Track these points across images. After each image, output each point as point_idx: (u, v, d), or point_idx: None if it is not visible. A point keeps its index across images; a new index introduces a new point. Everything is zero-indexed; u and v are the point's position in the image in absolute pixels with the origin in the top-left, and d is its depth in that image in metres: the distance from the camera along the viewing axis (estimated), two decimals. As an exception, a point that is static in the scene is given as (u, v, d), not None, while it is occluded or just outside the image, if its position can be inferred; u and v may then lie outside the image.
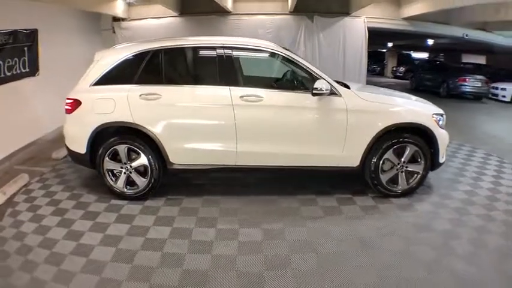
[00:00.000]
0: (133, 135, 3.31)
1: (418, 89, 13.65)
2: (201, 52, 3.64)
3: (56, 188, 3.74)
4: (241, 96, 3.19)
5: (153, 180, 3.35)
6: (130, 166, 3.37)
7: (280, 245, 2.65)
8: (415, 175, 3.49)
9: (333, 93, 3.18)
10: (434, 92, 12.65)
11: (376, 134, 3.24)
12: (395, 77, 20.96)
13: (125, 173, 3.38)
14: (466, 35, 9.57)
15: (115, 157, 3.37)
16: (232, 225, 2.94)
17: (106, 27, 7.60)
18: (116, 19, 7.61)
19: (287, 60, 3.38)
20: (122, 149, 3.34)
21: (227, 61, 3.33)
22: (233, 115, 3.18)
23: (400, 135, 3.33)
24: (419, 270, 2.38)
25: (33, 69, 5.15)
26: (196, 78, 3.65)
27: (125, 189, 3.40)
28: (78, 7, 5.84)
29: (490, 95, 12.33)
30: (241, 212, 3.17)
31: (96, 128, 3.29)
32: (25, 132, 5.04)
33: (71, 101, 3.41)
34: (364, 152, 3.29)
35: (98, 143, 3.35)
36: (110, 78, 3.38)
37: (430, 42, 15.74)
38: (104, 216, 3.13)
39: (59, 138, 5.72)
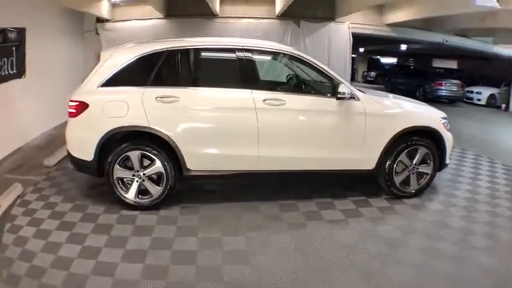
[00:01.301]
0: (147, 140, 3.23)
1: (393, 93, 14.50)
2: (220, 54, 3.64)
3: (55, 198, 3.59)
4: (264, 100, 3.26)
5: (168, 188, 3.28)
6: (144, 174, 3.28)
7: (338, 248, 2.78)
8: (425, 176, 3.80)
9: (352, 97, 3.40)
10: (410, 96, 13.51)
11: (392, 137, 3.50)
12: (366, 81, 22.05)
13: (137, 181, 3.28)
14: (446, 41, 10.39)
15: (125, 164, 3.27)
16: (260, 233, 2.99)
17: (89, 29, 7.45)
18: (99, 20, 7.51)
19: (306, 63, 3.52)
20: (135, 155, 3.24)
21: (248, 63, 3.37)
22: (256, 119, 3.23)
23: (411, 138, 3.62)
24: (449, 265, 2.63)
25: (20, 71, 4.99)
26: (215, 81, 3.60)
27: (137, 199, 3.30)
28: (67, 4, 5.71)
29: (465, 99, 13.38)
30: (263, 217, 3.26)
31: (107, 133, 3.18)
32: (10, 138, 4.85)
33: (76, 103, 3.24)
34: (381, 155, 3.53)
35: (106, 149, 3.23)
36: (120, 79, 3.28)
37: (404, 47, 16.73)
38: (118, 229, 3.01)
39: (46, 144, 5.60)
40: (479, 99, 13.36)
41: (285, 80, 4.15)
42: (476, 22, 7.26)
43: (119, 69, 3.26)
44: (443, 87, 13.41)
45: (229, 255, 2.66)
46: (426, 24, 9.69)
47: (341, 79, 3.42)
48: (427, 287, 2.38)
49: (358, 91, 3.51)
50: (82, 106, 3.21)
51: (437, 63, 20.39)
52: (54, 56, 5.96)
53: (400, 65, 22.32)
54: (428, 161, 3.76)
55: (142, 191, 3.32)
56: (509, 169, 5.02)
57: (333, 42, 9.91)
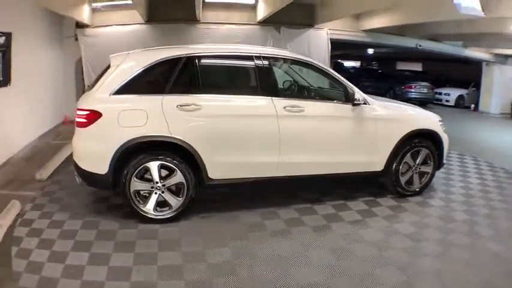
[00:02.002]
0: (166, 150, 3.20)
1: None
2: (239, 61, 3.71)
3: (60, 216, 3.44)
4: (285, 107, 3.39)
5: (189, 199, 3.29)
6: (163, 185, 3.25)
7: (368, 247, 3.00)
8: (426, 175, 4.20)
9: (364, 103, 3.69)
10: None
11: (399, 140, 3.84)
12: (332, 85, 22.85)
13: (156, 193, 3.24)
14: (420, 46, 11.19)
15: (141, 176, 3.22)
16: (297, 236, 3.12)
17: (68, 34, 7.29)
18: (79, 26, 7.36)
19: (320, 71, 3.73)
20: (155, 166, 3.19)
21: (266, 71, 3.49)
22: (277, 126, 3.35)
23: (414, 141, 3.97)
24: (465, 254, 2.98)
25: (6, 78, 4.83)
26: (235, 88, 3.66)
27: (156, 212, 3.26)
28: (50, 7, 5.57)
29: (434, 100, 14.44)
30: (285, 222, 3.42)
31: (124, 144, 3.09)
32: (-2, 151, 4.68)
33: (87, 112, 3.12)
34: (389, 157, 3.86)
35: (122, 161, 3.14)
36: (135, 86, 3.22)
37: (371, 51, 17.62)
38: (143, 245, 2.92)
39: (33, 156, 5.49)
40: (448, 100, 14.48)
41: (302, 87, 4.30)
42: (453, 28, 7.98)
43: (133, 75, 3.20)
44: (413, 90, 14.40)
45: (268, 261, 2.81)
46: (401, 30, 10.41)
47: (353, 86, 3.72)
48: (456, 274, 2.70)
49: (368, 97, 3.83)
50: (94, 115, 3.10)
51: (401, 66, 21.57)
52: (35, 63, 5.80)
53: (366, 69, 23.36)
54: (429, 161, 4.15)
55: (160, 203, 3.28)
56: (493, 166, 5.62)
57: (313, 47, 10.33)
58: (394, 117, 3.90)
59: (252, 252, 2.87)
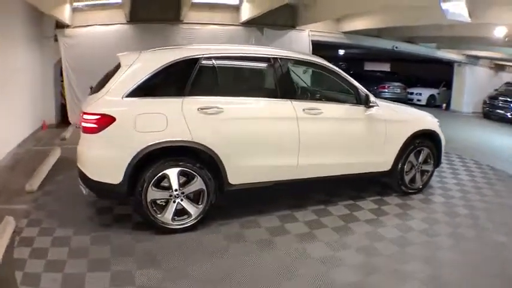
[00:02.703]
0: (185, 155, 3.14)
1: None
2: (257, 62, 3.72)
3: (62, 231, 3.21)
4: (304, 109, 3.48)
5: (208, 206, 3.26)
6: (182, 193, 3.18)
7: (390, 244, 3.20)
8: (426, 173, 4.53)
9: (376, 105, 3.92)
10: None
11: (406, 140, 4.13)
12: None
13: (174, 201, 3.16)
14: (396, 47, 11.83)
15: (158, 184, 3.11)
16: (332, 237, 3.25)
17: (48, 35, 7.01)
18: (58, 26, 7.11)
19: (334, 73, 3.88)
20: (174, 173, 3.10)
21: (285, 73, 3.55)
22: (297, 128, 3.43)
23: (417, 141, 4.28)
24: (477, 245, 3.31)
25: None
26: (253, 90, 3.67)
27: (174, 221, 3.19)
28: (38, 5, 5.34)
29: (407, 100, 15.25)
30: (306, 224, 3.56)
31: (142, 150, 2.97)
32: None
33: (97, 116, 2.95)
34: (396, 157, 4.14)
35: (138, 168, 3.03)
36: (150, 88, 3.11)
37: (341, 52, 18.23)
38: (169, 260, 2.81)
39: (16, 165, 5.27)
40: (419, 100, 15.36)
41: (316, 89, 4.43)
42: (434, 31, 8.55)
43: (148, 76, 3.09)
44: (387, 90, 15.18)
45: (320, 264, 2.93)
46: (378, 32, 10.96)
47: (363, 88, 3.95)
48: (474, 264, 2.99)
49: (377, 99, 4.07)
50: (106, 120, 2.95)
51: (369, 67, 22.39)
52: (13, 65, 5.53)
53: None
54: (429, 160, 4.49)
55: (178, 212, 3.20)
56: (479, 163, 6.14)
57: (294, 48, 10.60)
58: (401, 119, 4.20)
59: (284, 255, 2.97)
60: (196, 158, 3.20)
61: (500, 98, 12.32)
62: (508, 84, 13.50)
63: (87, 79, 7.76)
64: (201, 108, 3.15)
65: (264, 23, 9.81)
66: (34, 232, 3.21)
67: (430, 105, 15.00)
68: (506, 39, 6.79)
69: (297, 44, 10.62)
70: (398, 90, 15.31)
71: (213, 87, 3.39)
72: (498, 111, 12.03)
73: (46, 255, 2.85)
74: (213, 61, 3.32)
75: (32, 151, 6.10)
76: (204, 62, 3.27)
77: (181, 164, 3.12)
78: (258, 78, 3.81)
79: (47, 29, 6.99)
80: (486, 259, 3.07)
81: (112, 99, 3.03)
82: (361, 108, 3.86)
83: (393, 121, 4.08)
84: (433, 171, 4.61)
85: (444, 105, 14.78)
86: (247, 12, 8.96)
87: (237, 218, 3.54)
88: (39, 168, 4.86)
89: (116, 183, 3.01)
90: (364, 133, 3.93)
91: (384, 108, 4.03)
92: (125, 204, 3.67)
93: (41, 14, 6.43)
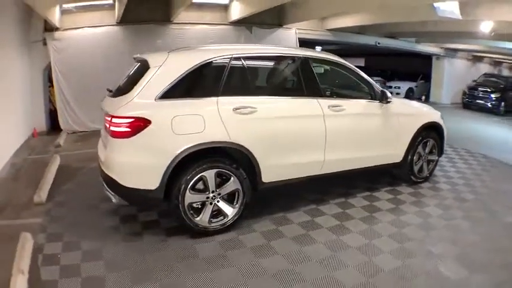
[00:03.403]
0: (221, 156, 3.18)
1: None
2: (284, 62, 3.83)
3: (89, 244, 3.08)
4: (329, 107, 3.66)
5: (244, 206, 3.33)
6: (219, 194, 3.23)
7: (417, 230, 3.45)
8: (431, 163, 4.89)
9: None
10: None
11: (415, 133, 4.45)
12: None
13: (211, 203, 3.20)
14: (378, 43, 12.34)
15: (194, 187, 3.12)
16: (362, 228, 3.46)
17: (36, 39, 6.85)
18: (47, 29, 6.96)
19: (351, 71, 4.10)
20: (212, 174, 3.13)
21: (310, 72, 3.68)
22: (324, 125, 3.61)
23: (423, 133, 4.59)
24: (492, 226, 3.67)
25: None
26: (282, 89, 3.76)
27: (211, 223, 3.22)
28: (35, 7, 5.24)
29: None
30: (342, 216, 3.78)
31: (181, 153, 2.96)
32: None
33: (131, 120, 2.89)
34: (407, 148, 4.45)
35: (175, 172, 3.00)
36: (183, 88, 3.10)
37: (318, 49, 18.63)
38: (225, 262, 2.87)
39: (17, 176, 5.16)
40: (398, 93, 16.04)
41: (337, 87, 4.57)
42: (418, 27, 9.03)
43: (180, 77, 3.07)
44: (367, 85, 15.68)
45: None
46: (362, 28, 11.42)
47: (377, 85, 4.21)
48: (494, 243, 3.33)
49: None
50: (140, 123, 2.89)
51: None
52: (4, 72, 5.40)
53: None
54: (434, 150, 4.84)
55: (214, 213, 3.25)
56: (470, 152, 6.62)
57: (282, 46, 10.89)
58: (411, 113, 4.53)
59: (324, 248, 3.17)
60: (232, 158, 3.25)
61: (480, 88, 13.16)
62: (486, 75, 14.41)
63: (77, 84, 7.72)
64: (236, 108, 3.20)
65: (253, 22, 9.99)
66: (57, 248, 3.06)
67: (409, 97, 15.69)
68: (493, 33, 7.32)
69: (285, 42, 10.88)
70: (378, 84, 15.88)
71: (244, 87, 3.46)
72: (478, 101, 12.84)
73: (79, 272, 2.69)
74: (242, 61, 3.38)
75: (29, 160, 5.98)
76: (234, 62, 3.31)
77: (219, 165, 3.16)
78: (285, 77, 3.89)
79: (36, 32, 6.82)
80: (501, 238, 3.43)
81: (144, 101, 2.98)
82: (377, 103, 4.13)
83: (404, 115, 4.39)
84: (437, 161, 4.98)
85: (423, 97, 15.53)
86: (238, 12, 9.09)
87: (266, 215, 3.69)
88: (43, 178, 4.77)
89: (153, 188, 2.96)
90: (380, 127, 4.20)
91: (396, 103, 4.31)
92: (146, 211, 3.70)
93: (30, 17, 6.31)
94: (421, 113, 4.71)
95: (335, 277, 2.70)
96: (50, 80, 7.67)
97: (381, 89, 4.16)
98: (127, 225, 3.49)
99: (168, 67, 3.10)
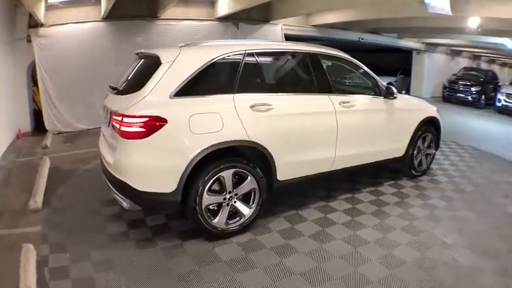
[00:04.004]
0: (238, 155, 3.11)
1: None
2: (295, 58, 3.77)
3: (99, 253, 2.90)
4: (340, 103, 3.68)
5: (260, 205, 3.28)
6: (236, 194, 3.14)
7: (427, 221, 3.53)
8: (429, 156, 5.04)
9: (395, 96, 4.28)
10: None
11: (416, 127, 4.57)
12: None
13: (228, 204, 3.12)
14: (362, 39, 12.54)
15: (210, 188, 3.02)
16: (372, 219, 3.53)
17: (20, 36, 6.52)
18: (32, 26, 6.65)
19: (358, 67, 4.15)
20: (229, 174, 3.04)
21: (321, 68, 3.69)
22: (335, 121, 3.63)
23: (423, 127, 4.73)
24: (495, 216, 3.83)
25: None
26: (294, 85, 3.73)
27: (226, 225, 3.15)
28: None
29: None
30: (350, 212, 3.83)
31: (200, 153, 2.85)
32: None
33: (145, 119, 2.74)
34: (409, 143, 4.57)
35: (193, 173, 2.89)
36: (198, 85, 2.98)
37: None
38: (239, 267, 2.78)
39: (7, 180, 4.91)
40: (379, 88, 16.33)
41: (345, 83, 4.65)
42: (405, 22, 9.23)
43: (195, 73, 2.96)
44: (350, 80, 15.95)
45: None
46: (346, 24, 11.57)
47: (381, 81, 4.28)
48: (499, 232, 3.49)
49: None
50: (156, 123, 2.75)
51: None
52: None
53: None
54: (431, 144, 4.99)
55: (230, 214, 3.18)
56: (460, 144, 6.88)
57: (269, 42, 10.88)
58: (412, 108, 4.65)
59: (344, 244, 3.22)
60: (247, 157, 3.18)
61: (460, 82, 13.62)
62: (465, 69, 14.90)
63: (62, 82, 7.45)
64: (253, 106, 3.14)
65: (239, 18, 9.94)
66: (64, 259, 2.83)
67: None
68: (479, 29, 7.58)
69: (271, 37, 10.87)
70: (361, 80, 16.16)
71: (258, 84, 3.40)
72: (459, 95, 13.30)
73: (93, 286, 2.54)
74: (256, 57, 3.31)
75: (17, 163, 5.73)
76: (247, 57, 3.24)
77: (237, 165, 3.07)
78: (297, 74, 3.84)
79: (19, 29, 6.50)
80: (504, 226, 3.61)
81: (158, 99, 2.83)
82: (382, 99, 4.22)
83: (407, 110, 4.51)
84: (434, 154, 5.13)
85: (404, 91, 15.89)
86: (225, 8, 9.00)
87: (278, 214, 3.69)
88: (36, 182, 4.56)
89: (169, 191, 2.84)
90: (385, 123, 4.29)
91: (399, 99, 4.40)
92: (153, 214, 3.55)
93: (14, 14, 6.02)
94: (421, 108, 4.84)
95: (361, 272, 2.75)
96: (33, 79, 7.36)
97: (386, 85, 4.23)
98: (136, 231, 3.33)
99: (181, 63, 2.97)
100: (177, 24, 9.11)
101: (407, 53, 15.70)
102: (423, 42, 14.36)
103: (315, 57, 3.71)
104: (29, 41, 6.75)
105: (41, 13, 6.11)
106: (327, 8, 8.77)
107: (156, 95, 2.83)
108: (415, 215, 3.78)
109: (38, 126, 7.58)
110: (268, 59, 3.53)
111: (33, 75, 7.31)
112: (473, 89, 13.43)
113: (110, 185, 3.11)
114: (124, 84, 3.43)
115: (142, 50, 3.65)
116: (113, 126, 3.01)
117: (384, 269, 2.80)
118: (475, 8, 5.92)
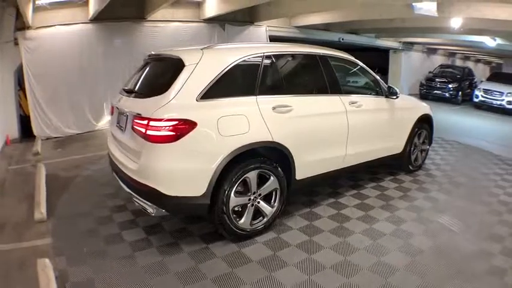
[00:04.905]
0: (257, 156, 3.14)
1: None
2: (308, 60, 3.85)
3: (123, 263, 2.83)
4: (349, 103, 3.85)
5: (283, 204, 3.37)
6: (259, 195, 3.21)
7: (434, 213, 3.75)
8: (424, 152, 5.33)
9: (392, 95, 4.52)
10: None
11: (413, 125, 4.84)
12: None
13: (252, 204, 3.18)
14: (342, 39, 12.85)
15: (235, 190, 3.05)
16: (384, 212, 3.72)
17: (7, 39, 6.27)
18: (19, 28, 6.42)
19: (362, 69, 4.35)
20: (255, 175, 3.11)
21: (332, 70, 3.83)
22: (347, 121, 3.80)
23: (418, 124, 4.99)
24: (493, 205, 4.15)
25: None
26: (310, 87, 3.82)
27: (251, 226, 3.20)
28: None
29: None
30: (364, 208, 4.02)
31: (229, 155, 2.88)
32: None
33: (174, 122, 2.72)
34: (407, 139, 4.82)
35: (221, 175, 2.91)
36: (222, 88, 2.99)
37: None
38: (272, 266, 2.83)
39: (4, 189, 4.68)
40: (356, 87, 16.82)
41: (351, 84, 4.76)
42: (386, 23, 9.56)
43: (219, 75, 2.99)
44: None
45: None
46: (327, 25, 11.87)
47: (383, 82, 4.50)
48: (501, 220, 3.78)
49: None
50: (186, 126, 2.73)
51: None
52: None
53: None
54: (425, 140, 5.27)
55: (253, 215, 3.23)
56: (445, 139, 7.29)
57: (254, 43, 10.99)
58: (409, 106, 4.92)
59: (363, 237, 3.38)
60: (268, 158, 3.24)
61: (437, 79, 14.21)
62: (442, 66, 15.52)
63: (50, 86, 7.25)
64: (275, 107, 3.21)
65: (225, 19, 9.99)
66: (86, 273, 2.70)
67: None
68: (462, 29, 8.00)
69: (256, 38, 11.02)
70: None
71: (277, 86, 3.47)
72: (436, 91, 13.87)
73: None
74: (273, 59, 3.40)
75: (11, 171, 5.53)
76: (266, 60, 3.31)
77: (262, 166, 3.14)
78: (311, 76, 3.92)
79: (6, 32, 6.26)
80: (503, 213, 3.92)
81: (185, 102, 2.82)
82: (384, 98, 4.44)
83: (405, 109, 4.76)
84: (428, 149, 5.41)
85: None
86: (213, 9, 9.02)
87: (293, 212, 3.79)
88: (36, 191, 4.37)
89: (199, 195, 2.83)
90: (388, 121, 4.52)
91: (399, 98, 4.63)
92: (168, 219, 3.53)
93: (1, 16, 5.81)
94: (417, 106, 5.12)
95: (385, 262, 2.93)
96: (19, 84, 7.11)
97: (388, 85, 4.45)
98: (156, 237, 3.26)
99: (205, 65, 2.97)
100: (165, 26, 9.05)
101: (385, 52, 16.21)
102: (400, 41, 14.89)
103: (325, 59, 3.86)
104: (16, 44, 6.52)
105: (29, 15, 5.92)
106: (311, 10, 8.96)
107: (183, 98, 2.81)
108: (420, 207, 4.03)
109: (26, 132, 7.33)
110: (284, 61, 3.62)
111: (20, 79, 7.06)
112: (450, 85, 14.00)
113: (130, 191, 3.07)
114: (140, 86, 3.41)
115: (158, 51, 3.63)
116: (134, 130, 2.94)
117: (406, 257, 3.01)
118: (461, 9, 6.26)
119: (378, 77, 4.47)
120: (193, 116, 2.77)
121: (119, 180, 3.33)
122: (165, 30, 9.03)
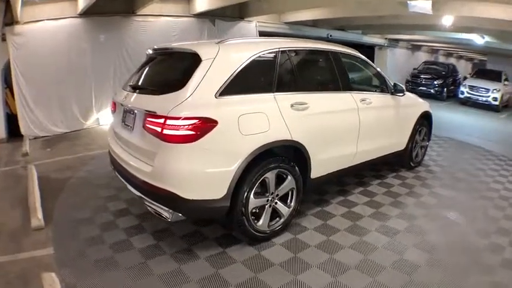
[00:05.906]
0: (273, 156, 3.03)
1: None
2: (320, 57, 3.82)
3: (138, 274, 2.65)
4: (360, 100, 3.85)
5: (299, 203, 3.32)
6: (277, 195, 3.12)
7: (441, 207, 3.82)
8: (423, 148, 5.43)
9: (396, 92, 4.57)
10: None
11: (415, 122, 4.93)
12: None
13: (270, 205, 3.09)
14: (330, 35, 12.91)
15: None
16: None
17: (-5, 35, 5.96)
18: (7, 23, 6.09)
19: (369, 66, 4.37)
20: (273, 175, 3.01)
21: (343, 67, 3.80)
22: (358, 118, 3.79)
23: (419, 121, 5.07)
24: (494, 199, 4.29)
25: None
26: (324, 84, 3.79)
27: (268, 227, 3.11)
28: None
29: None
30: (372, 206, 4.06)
31: (250, 155, 2.76)
32: None
33: (195, 121, 2.55)
34: (410, 136, 4.90)
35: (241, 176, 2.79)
36: (240, 84, 2.85)
37: None
38: (295, 267, 2.79)
39: None
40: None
41: (360, 81, 4.75)
42: (375, 20, 9.63)
43: (237, 71, 2.85)
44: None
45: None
46: (316, 21, 11.90)
47: (388, 78, 4.54)
48: (505, 211, 3.93)
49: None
50: (206, 124, 2.58)
51: None
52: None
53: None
54: (425, 137, 5.37)
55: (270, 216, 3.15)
56: (438, 135, 7.43)
57: (244, 39, 10.90)
58: (411, 104, 5.00)
59: (379, 235, 3.40)
60: (284, 157, 3.14)
61: (422, 76, 14.50)
62: (426, 63, 15.80)
63: (37, 83, 6.95)
64: (293, 105, 3.12)
65: (215, 15, 9.86)
66: (99, 286, 2.54)
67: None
68: (452, 26, 8.16)
69: (246, 34, 10.94)
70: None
71: (293, 82, 3.35)
72: (421, 88, 14.15)
73: None
74: (288, 55, 3.30)
75: (0, 174, 5.29)
76: (281, 55, 3.21)
77: (280, 165, 3.04)
78: (325, 72, 3.87)
79: (-6, 28, 5.97)
80: (505, 207, 4.08)
81: (204, 99, 2.65)
82: (390, 95, 4.48)
83: (409, 106, 4.84)
84: (427, 146, 5.52)
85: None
86: (204, 4, 8.88)
87: (306, 211, 3.76)
88: (30, 195, 4.11)
89: (219, 197, 2.70)
90: (394, 118, 4.58)
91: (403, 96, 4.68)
92: (176, 224, 3.31)
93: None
94: (419, 104, 5.19)
95: (405, 259, 2.98)
96: (6, 81, 6.79)
97: (395, 82, 4.49)
98: (167, 243, 3.09)
99: (222, 60, 2.82)
100: (154, 21, 8.84)
101: (370, 49, 16.40)
102: (386, 38, 15.10)
103: (337, 56, 3.84)
104: (4, 40, 6.20)
105: (17, 9, 5.64)
106: (304, 7, 8.93)
107: (201, 95, 2.65)
108: (427, 203, 4.12)
109: (13, 132, 7.01)
110: (298, 57, 3.53)
111: (6, 77, 6.73)
112: (436, 82, 14.30)
113: (142, 195, 2.89)
114: (150, 82, 3.27)
115: (165, 45, 3.45)
116: (146, 128, 2.76)
117: (424, 253, 3.07)
118: (456, 7, 6.38)
119: (384, 74, 4.50)
120: (214, 114, 2.62)
121: (126, 182, 3.13)
122: (154, 25, 8.82)
